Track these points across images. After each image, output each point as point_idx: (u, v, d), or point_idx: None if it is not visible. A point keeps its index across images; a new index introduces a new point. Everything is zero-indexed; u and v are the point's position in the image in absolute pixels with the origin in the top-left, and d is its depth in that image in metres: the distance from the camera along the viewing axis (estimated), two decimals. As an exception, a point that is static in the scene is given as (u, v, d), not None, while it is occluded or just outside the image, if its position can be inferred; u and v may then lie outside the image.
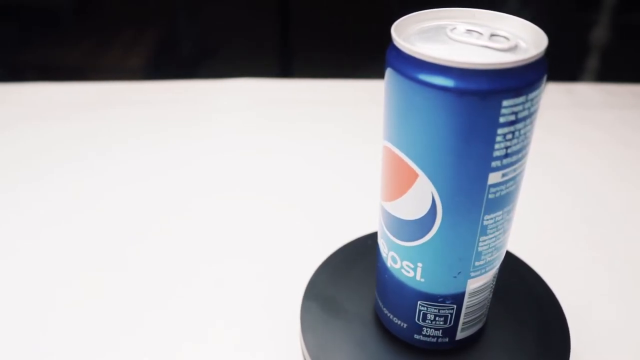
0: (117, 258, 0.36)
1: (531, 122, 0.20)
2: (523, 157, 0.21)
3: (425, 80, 0.19)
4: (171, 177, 0.45)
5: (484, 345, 0.27)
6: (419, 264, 0.23)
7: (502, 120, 0.19)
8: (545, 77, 0.20)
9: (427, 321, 0.26)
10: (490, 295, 0.26)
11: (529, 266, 0.32)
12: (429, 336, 0.26)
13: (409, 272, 0.24)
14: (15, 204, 0.41)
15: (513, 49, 0.20)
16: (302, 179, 0.45)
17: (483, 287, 0.24)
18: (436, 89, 0.19)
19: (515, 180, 0.21)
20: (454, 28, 0.21)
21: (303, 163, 0.47)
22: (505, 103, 0.19)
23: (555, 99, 0.57)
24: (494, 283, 0.25)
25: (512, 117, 0.19)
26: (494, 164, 0.20)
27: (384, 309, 0.27)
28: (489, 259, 0.23)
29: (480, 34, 0.21)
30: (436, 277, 0.24)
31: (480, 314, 0.26)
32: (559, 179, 0.45)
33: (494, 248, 0.23)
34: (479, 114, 0.19)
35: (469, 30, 0.21)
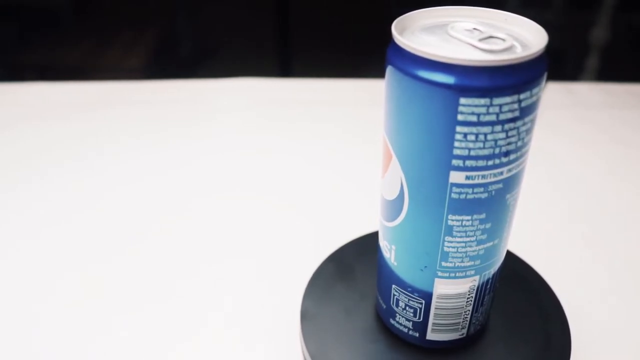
0: (117, 258, 0.37)
1: (504, 131, 0.20)
2: (497, 166, 0.21)
3: (395, 64, 0.20)
4: (171, 177, 0.45)
5: (483, 344, 0.27)
6: (393, 247, 0.25)
7: (460, 118, 0.20)
8: (523, 88, 0.19)
9: (399, 308, 0.27)
10: (471, 308, 0.26)
11: (530, 265, 0.33)
12: (401, 324, 0.27)
13: (386, 252, 0.25)
14: (15, 204, 0.42)
15: (504, 51, 0.20)
16: (301, 179, 0.45)
17: (456, 295, 0.25)
18: (403, 73, 0.20)
19: (486, 187, 0.21)
20: (454, 26, 0.21)
21: (303, 163, 0.47)
22: (462, 101, 0.19)
23: (555, 99, 0.57)
24: (475, 296, 0.25)
25: (473, 118, 0.20)
26: (454, 162, 0.21)
27: (376, 286, 0.29)
28: (458, 263, 0.24)
29: (481, 32, 0.21)
30: (405, 264, 0.25)
31: (454, 321, 0.26)
32: (559, 178, 0.45)
33: (464, 254, 0.23)
34: (435, 106, 0.20)
35: (468, 29, 0.21)
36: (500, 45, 0.20)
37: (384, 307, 0.28)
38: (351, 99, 0.58)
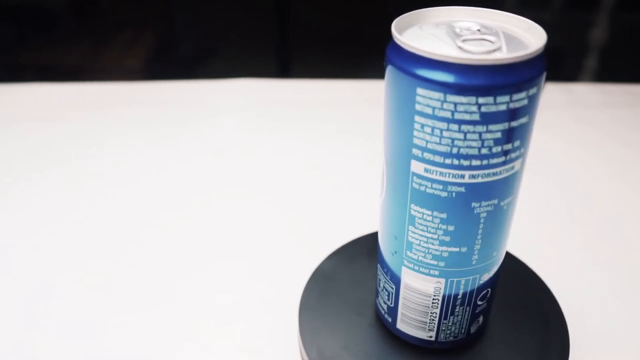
0: (115, 258, 0.37)
1: (461, 132, 0.20)
2: (455, 167, 0.21)
3: (388, 55, 0.21)
4: (170, 178, 0.45)
5: (483, 345, 0.28)
6: (379, 225, 0.26)
7: (417, 108, 0.20)
8: (481, 92, 0.19)
9: (379, 288, 0.28)
10: (439, 312, 0.26)
11: (528, 266, 0.33)
12: (380, 305, 0.28)
13: (379, 230, 0.27)
14: (14, 204, 0.42)
15: (482, 53, 0.20)
16: (300, 179, 0.45)
17: (421, 291, 0.25)
18: (385, 57, 0.21)
19: (445, 186, 0.22)
20: (454, 25, 0.22)
21: (302, 163, 0.47)
22: (419, 91, 0.20)
23: (554, 99, 0.57)
24: (442, 301, 0.25)
25: (429, 110, 0.20)
26: (414, 151, 0.21)
27: None
28: (422, 258, 0.24)
29: (479, 33, 0.21)
30: (383, 244, 0.26)
31: (421, 319, 0.27)
32: (557, 178, 0.45)
33: (427, 250, 0.24)
34: (401, 92, 0.21)
35: (468, 29, 0.21)
36: (483, 48, 0.20)
37: (374, 286, 0.29)
38: (350, 100, 0.58)
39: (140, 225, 0.40)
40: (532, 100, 0.20)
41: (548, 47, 0.20)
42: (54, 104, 0.58)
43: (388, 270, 0.26)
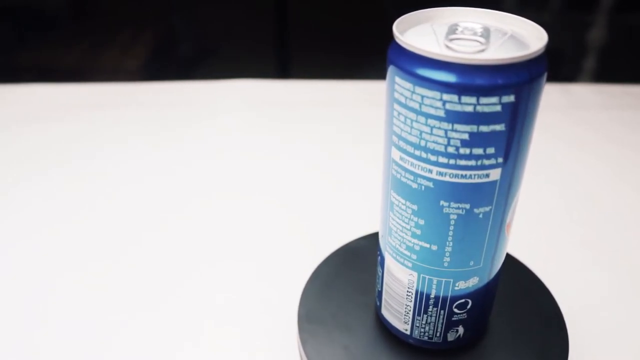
0: (115, 258, 0.37)
1: (427, 125, 0.21)
2: (423, 160, 0.22)
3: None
4: (169, 179, 0.45)
5: (482, 347, 0.28)
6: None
7: (395, 95, 0.21)
8: (446, 89, 0.19)
9: (376, 273, 0.29)
10: (412, 306, 0.26)
11: (527, 267, 0.33)
12: (376, 288, 0.30)
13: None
14: (13, 205, 0.41)
15: (467, 53, 0.20)
16: (300, 180, 0.45)
17: (398, 280, 0.26)
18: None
19: (415, 178, 0.22)
20: (454, 25, 0.22)
21: (301, 164, 0.47)
22: (397, 80, 0.21)
23: (553, 100, 0.58)
24: (415, 296, 0.26)
25: (402, 99, 0.21)
26: (393, 138, 0.23)
27: None
28: (398, 247, 0.25)
29: (477, 34, 0.21)
30: (380, 227, 0.27)
31: (397, 309, 0.27)
32: (556, 179, 0.45)
33: (402, 240, 0.25)
34: (389, 79, 0.22)
35: (469, 29, 0.22)
36: (468, 48, 0.20)
37: None
38: (349, 101, 0.58)
39: (140, 225, 0.40)
40: (509, 108, 0.20)
41: (547, 49, 0.20)
42: (53, 104, 0.58)
43: (380, 253, 0.27)
